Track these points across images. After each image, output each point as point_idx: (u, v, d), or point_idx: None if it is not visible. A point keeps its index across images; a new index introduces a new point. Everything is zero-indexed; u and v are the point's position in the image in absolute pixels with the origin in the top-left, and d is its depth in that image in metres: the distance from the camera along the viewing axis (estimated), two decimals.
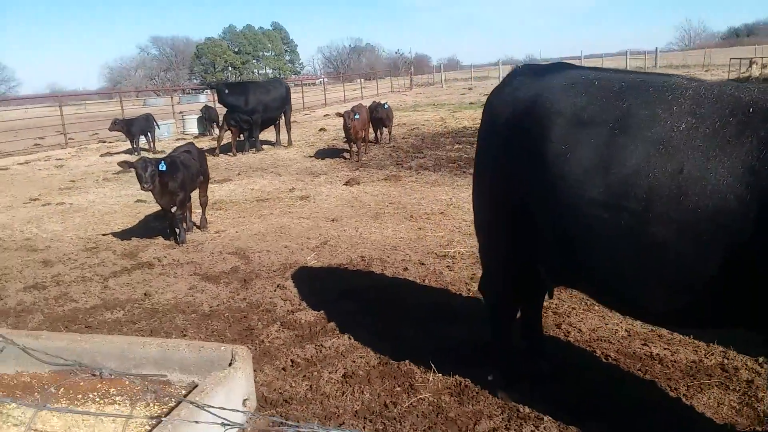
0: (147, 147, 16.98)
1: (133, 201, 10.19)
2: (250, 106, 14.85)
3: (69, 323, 5.14)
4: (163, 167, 6.81)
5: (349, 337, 4.44)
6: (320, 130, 19.53)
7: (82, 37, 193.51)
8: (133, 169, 6.79)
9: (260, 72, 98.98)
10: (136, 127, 16.07)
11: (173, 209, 7.30)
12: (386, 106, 14.96)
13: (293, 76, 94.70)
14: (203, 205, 8.10)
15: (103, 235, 8.07)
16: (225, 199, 9.95)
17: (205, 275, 6.17)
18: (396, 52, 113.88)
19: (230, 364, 2.95)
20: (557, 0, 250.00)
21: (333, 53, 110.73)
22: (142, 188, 6.78)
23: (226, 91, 14.61)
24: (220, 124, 15.26)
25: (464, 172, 10.99)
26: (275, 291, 5.59)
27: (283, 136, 16.67)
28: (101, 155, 16.82)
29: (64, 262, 6.86)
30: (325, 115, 25.55)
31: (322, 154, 14.55)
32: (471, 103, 27.54)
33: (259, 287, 5.73)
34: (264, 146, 15.88)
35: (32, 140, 22.49)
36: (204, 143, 18.92)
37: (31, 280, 6.32)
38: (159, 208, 9.51)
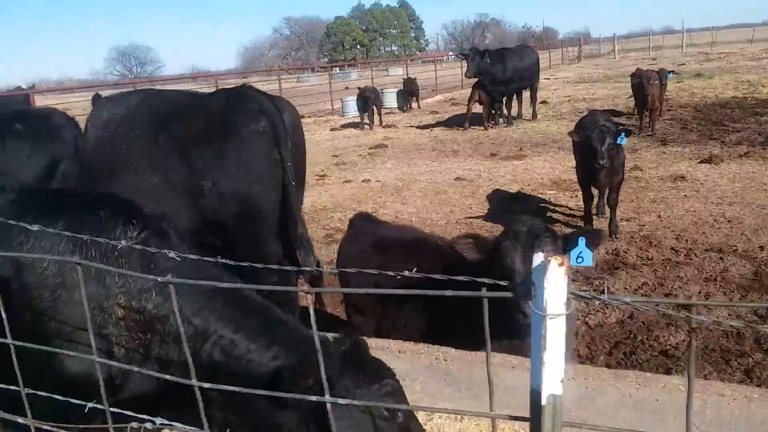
0: (369, 122, 15.96)
1: (452, 178, 9.00)
2: (507, 74, 13.33)
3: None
4: (623, 140, 5.38)
5: None
6: (541, 102, 17.71)
7: (221, 20, 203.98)
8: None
9: (386, 50, 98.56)
10: (371, 101, 15.23)
11: (607, 191, 5.90)
12: (671, 74, 12.89)
13: (418, 53, 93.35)
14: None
15: (471, 218, 6.89)
16: (562, 178, 8.47)
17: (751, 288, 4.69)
18: (523, 26, 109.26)
19: None
20: None
21: (457, 29, 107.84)
22: (597, 164, 5.38)
23: (485, 59, 13.09)
24: (470, 95, 13.86)
25: None
26: None
27: (526, 108, 15.11)
28: (330, 129, 16.12)
29: None
30: None
31: None
32: (676, 73, 24.46)
33: None
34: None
35: None
36: (424, 117, 17.69)
37: None
38: (492, 188, 8.27)
